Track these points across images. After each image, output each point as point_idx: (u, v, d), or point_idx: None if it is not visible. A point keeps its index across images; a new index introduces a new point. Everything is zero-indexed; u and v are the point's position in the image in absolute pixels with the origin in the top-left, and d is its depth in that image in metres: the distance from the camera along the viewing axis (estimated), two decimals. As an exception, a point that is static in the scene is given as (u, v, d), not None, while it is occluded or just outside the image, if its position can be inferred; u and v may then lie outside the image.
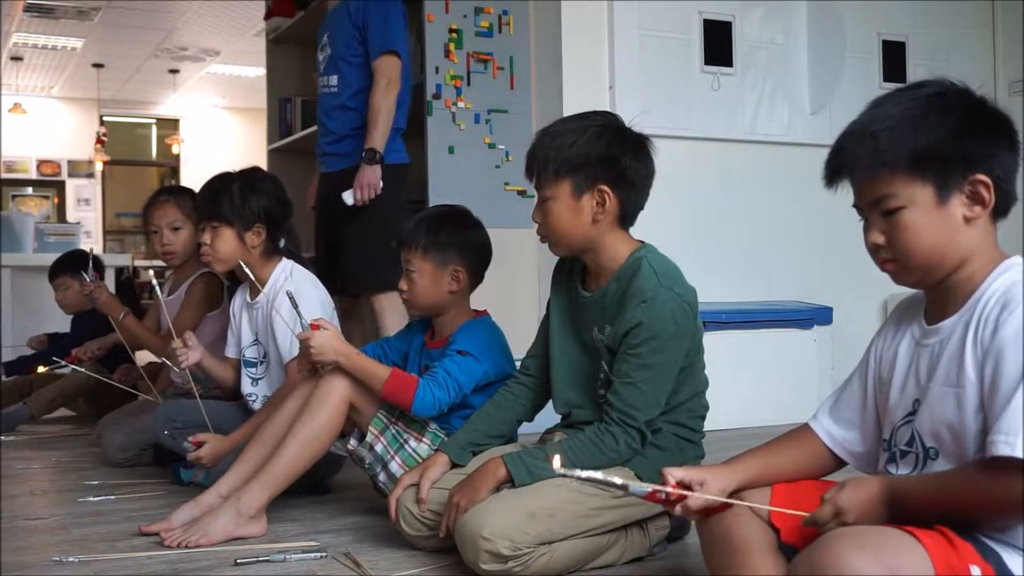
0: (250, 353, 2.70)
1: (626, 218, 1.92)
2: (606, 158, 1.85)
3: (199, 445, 2.42)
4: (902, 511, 1.22)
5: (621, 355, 1.83)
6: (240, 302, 2.75)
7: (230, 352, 2.77)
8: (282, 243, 2.70)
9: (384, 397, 2.12)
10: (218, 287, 3.24)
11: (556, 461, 1.29)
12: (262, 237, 2.60)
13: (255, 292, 2.63)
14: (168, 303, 3.28)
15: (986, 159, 1.25)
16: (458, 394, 2.13)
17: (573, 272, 2.03)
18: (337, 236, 3.42)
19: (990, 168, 1.25)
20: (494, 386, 2.18)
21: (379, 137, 3.30)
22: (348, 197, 3.28)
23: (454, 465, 2.00)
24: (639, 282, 1.83)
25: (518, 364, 2.18)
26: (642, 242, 1.96)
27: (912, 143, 1.24)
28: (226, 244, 2.58)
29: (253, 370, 2.69)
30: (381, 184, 3.30)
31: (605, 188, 1.86)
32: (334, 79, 3.50)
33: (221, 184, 2.63)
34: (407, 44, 3.49)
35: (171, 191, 3.41)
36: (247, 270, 2.44)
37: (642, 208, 1.94)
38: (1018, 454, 1.11)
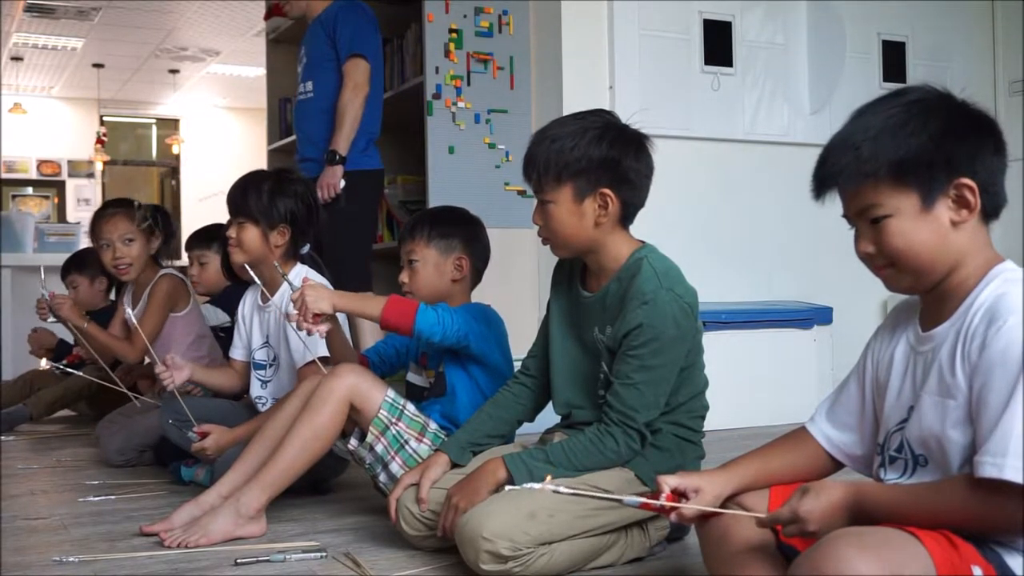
0: (260, 356, 2.70)
1: (627, 218, 1.92)
2: (607, 161, 1.85)
3: (204, 436, 2.43)
4: (870, 519, 1.21)
5: (621, 356, 1.83)
6: (251, 304, 2.75)
7: (236, 354, 2.76)
8: (306, 249, 2.70)
9: (385, 321, 2.11)
10: (182, 288, 3.26)
11: (548, 481, 1.29)
12: (286, 238, 2.61)
13: (266, 294, 2.64)
14: (136, 315, 3.26)
15: (969, 162, 1.24)
16: (455, 329, 2.13)
17: (573, 272, 2.03)
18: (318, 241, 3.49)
19: (974, 171, 1.24)
20: (492, 381, 2.19)
21: (343, 139, 3.46)
22: None
23: (454, 465, 2.00)
24: (640, 283, 1.83)
25: (516, 365, 2.18)
26: (643, 242, 1.95)
27: (893, 152, 1.24)
28: (251, 241, 2.59)
29: (262, 372, 2.69)
30: (342, 184, 3.43)
31: (607, 191, 1.85)
32: (310, 84, 3.65)
33: (252, 181, 2.64)
34: (378, 52, 3.58)
35: (119, 203, 3.36)
36: (251, 273, 2.43)
37: (643, 206, 1.94)
38: (1006, 476, 1.11)
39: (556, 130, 1.88)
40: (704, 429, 1.98)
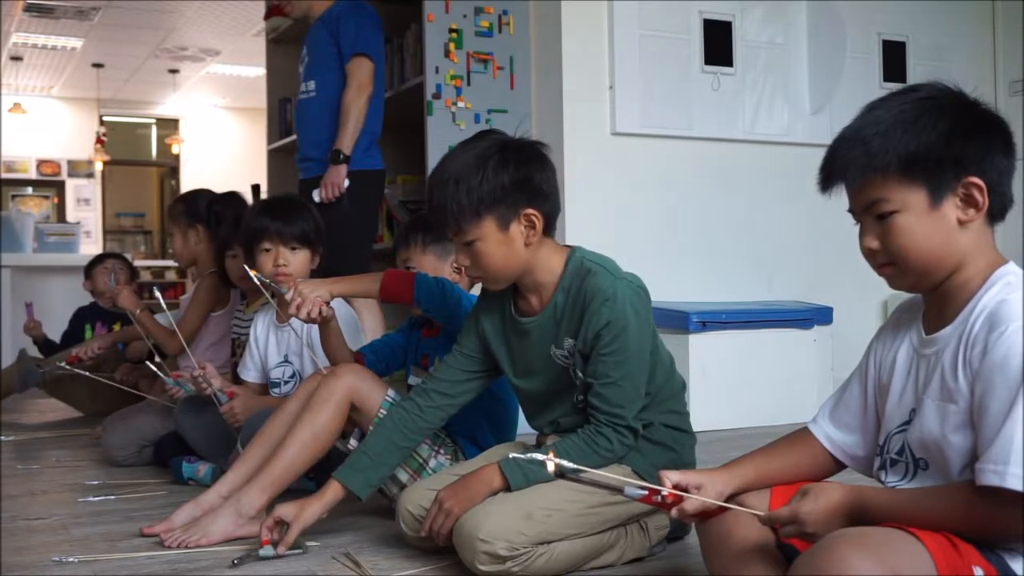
0: (276, 374, 2.72)
1: (550, 228, 1.89)
2: (520, 182, 1.81)
3: (232, 397, 2.47)
4: (868, 523, 1.21)
5: (594, 357, 1.82)
6: (264, 325, 2.76)
7: (249, 376, 2.77)
8: None
9: (385, 292, 2.14)
10: (223, 288, 3.28)
11: (550, 465, 1.29)
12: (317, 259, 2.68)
13: (282, 314, 2.65)
14: (184, 301, 3.40)
15: (979, 161, 1.24)
16: (455, 297, 2.14)
17: (504, 302, 1.97)
18: None
19: (983, 171, 1.24)
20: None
21: (347, 138, 3.48)
22: (315, 195, 3.46)
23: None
24: (595, 283, 1.81)
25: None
26: (567, 245, 1.93)
27: (903, 147, 1.24)
28: (304, 267, 2.63)
29: (277, 390, 2.71)
30: (346, 183, 3.46)
31: (530, 211, 1.83)
32: (312, 84, 3.67)
33: (296, 206, 2.68)
34: (382, 52, 3.59)
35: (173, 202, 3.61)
36: (266, 292, 2.39)
37: (560, 211, 1.92)
38: (1007, 484, 1.11)
39: (454, 168, 1.83)
40: (705, 429, 1.97)
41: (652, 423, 1.90)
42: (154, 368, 2.75)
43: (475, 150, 1.84)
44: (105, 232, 12.10)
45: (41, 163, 11.77)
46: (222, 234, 3.14)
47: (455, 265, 2.32)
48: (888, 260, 1.29)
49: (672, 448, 1.92)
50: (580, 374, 1.87)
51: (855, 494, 1.24)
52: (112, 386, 3.55)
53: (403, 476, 2.15)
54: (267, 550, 1.92)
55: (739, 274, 4.26)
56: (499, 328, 1.99)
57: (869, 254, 1.31)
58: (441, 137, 3.90)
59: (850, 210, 1.33)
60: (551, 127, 3.91)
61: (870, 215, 1.29)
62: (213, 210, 3.37)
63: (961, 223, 1.26)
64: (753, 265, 4.31)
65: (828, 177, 1.32)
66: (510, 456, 1.84)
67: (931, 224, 1.25)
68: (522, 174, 1.82)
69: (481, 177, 1.79)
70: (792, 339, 3.98)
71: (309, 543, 2.07)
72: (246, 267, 2.40)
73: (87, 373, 3.47)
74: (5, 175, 11.37)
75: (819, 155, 1.35)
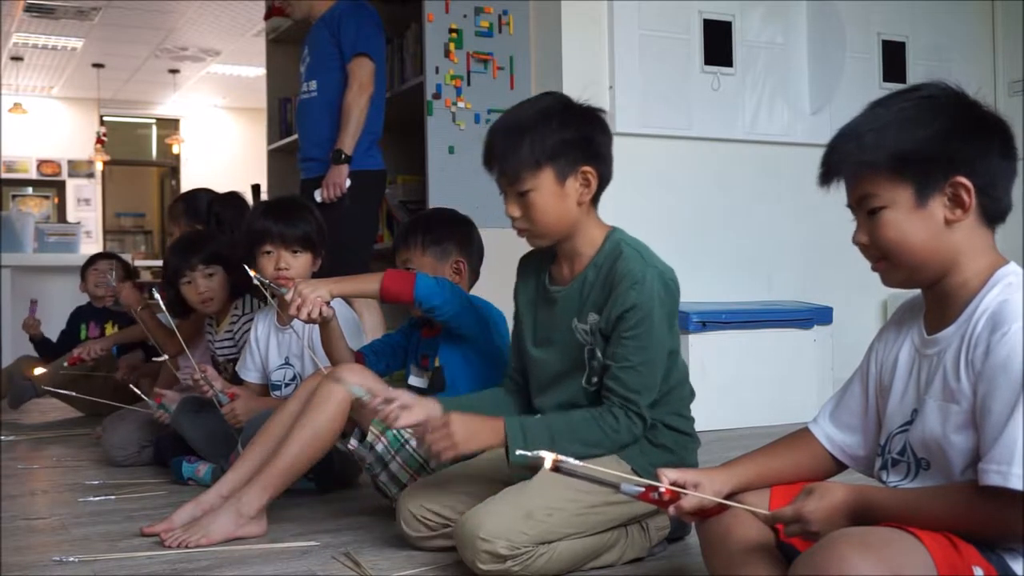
0: (277, 376, 2.72)
1: (599, 194, 1.92)
2: (582, 139, 1.86)
3: (233, 398, 2.48)
4: (872, 522, 1.21)
5: (615, 339, 1.82)
6: (265, 327, 2.76)
7: (250, 377, 2.78)
8: None
9: (385, 292, 2.15)
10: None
11: (548, 461, 1.29)
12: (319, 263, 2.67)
13: (283, 316, 2.66)
14: None
15: (971, 162, 1.24)
16: (456, 297, 2.16)
17: (542, 267, 2.01)
18: None
19: (974, 172, 1.24)
20: (496, 371, 2.19)
21: (348, 138, 3.50)
22: (317, 195, 3.48)
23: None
24: (626, 265, 1.82)
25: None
26: (611, 226, 1.95)
27: (895, 144, 1.25)
28: (305, 270, 2.61)
29: (278, 392, 2.71)
30: (348, 183, 3.47)
31: (588, 169, 1.86)
32: (313, 84, 3.69)
33: (299, 208, 2.66)
34: (383, 52, 3.60)
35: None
36: (267, 293, 2.40)
37: (610, 181, 1.94)
38: (1010, 484, 1.12)
39: (518, 120, 1.88)
40: (704, 429, 1.97)
41: (656, 424, 1.89)
42: (139, 392, 2.78)
43: (540, 105, 1.89)
44: (105, 232, 12.11)
45: (41, 163, 11.77)
46: (171, 263, 3.11)
47: (455, 266, 2.33)
48: (880, 255, 1.30)
49: (673, 451, 1.92)
50: (599, 355, 1.87)
51: (858, 493, 1.24)
52: (110, 386, 3.56)
53: (403, 476, 2.15)
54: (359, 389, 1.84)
55: (739, 274, 4.27)
56: (532, 296, 2.02)
57: (861, 249, 1.32)
58: (441, 137, 3.91)
59: (848, 205, 1.34)
60: (551, 127, 3.91)
61: (861, 210, 1.30)
62: (213, 210, 3.37)
63: (948, 222, 1.26)
64: (753, 265, 4.31)
65: (826, 172, 1.33)
66: (517, 420, 1.83)
67: (918, 221, 1.26)
68: (584, 133, 1.86)
69: (545, 130, 1.84)
70: (792, 339, 3.98)
71: (308, 543, 2.07)
72: (246, 267, 2.40)
73: (74, 394, 3.47)
74: (5, 175, 11.37)
75: (819, 155, 1.35)
